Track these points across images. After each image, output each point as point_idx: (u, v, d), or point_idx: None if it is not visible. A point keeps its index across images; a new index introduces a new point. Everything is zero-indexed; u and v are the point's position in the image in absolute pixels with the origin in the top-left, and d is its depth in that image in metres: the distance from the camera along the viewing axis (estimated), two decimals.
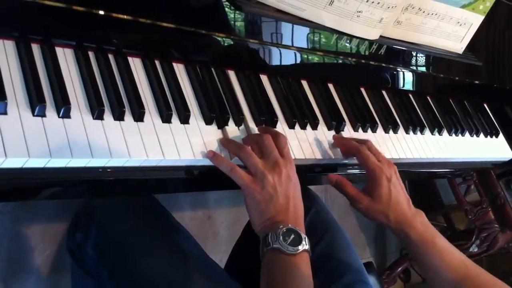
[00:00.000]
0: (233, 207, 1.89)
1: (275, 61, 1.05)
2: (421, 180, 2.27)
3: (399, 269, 2.16)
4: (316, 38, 1.06)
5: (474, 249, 1.96)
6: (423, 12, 1.12)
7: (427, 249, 0.93)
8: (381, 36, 1.11)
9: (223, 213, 1.88)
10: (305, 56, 1.08)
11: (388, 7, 1.03)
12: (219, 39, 0.95)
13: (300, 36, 1.04)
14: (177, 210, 1.73)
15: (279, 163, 0.85)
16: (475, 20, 1.22)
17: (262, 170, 0.84)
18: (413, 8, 1.10)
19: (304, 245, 0.82)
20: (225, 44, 0.97)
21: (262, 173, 0.83)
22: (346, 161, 1.05)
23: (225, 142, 0.90)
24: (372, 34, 1.08)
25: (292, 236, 0.81)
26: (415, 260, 0.98)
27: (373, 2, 1.00)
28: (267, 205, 0.83)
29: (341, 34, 1.06)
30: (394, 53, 1.20)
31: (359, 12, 1.00)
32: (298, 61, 1.08)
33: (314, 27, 1.03)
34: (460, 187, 2.02)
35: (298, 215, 0.86)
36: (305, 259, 0.82)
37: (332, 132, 1.07)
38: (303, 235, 0.82)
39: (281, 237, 0.80)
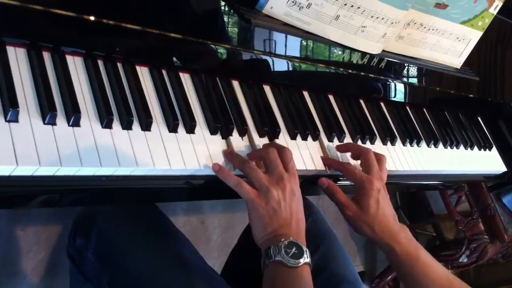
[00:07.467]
0: (227, 213, 1.88)
1: (278, 72, 1.06)
2: (412, 190, 2.28)
3: (389, 277, 2.17)
4: (318, 51, 1.07)
5: (463, 259, 1.98)
6: (424, 27, 1.14)
7: (412, 263, 0.94)
8: (383, 50, 1.13)
9: (216, 218, 1.88)
10: (307, 68, 1.09)
11: (392, 23, 1.04)
12: (225, 50, 0.96)
13: (303, 48, 1.05)
14: (171, 215, 1.70)
15: (284, 178, 0.86)
16: (474, 36, 1.24)
17: (266, 185, 0.84)
18: (415, 23, 1.11)
19: (306, 258, 0.82)
20: (230, 54, 0.97)
21: (266, 188, 0.84)
22: None
23: (229, 156, 0.90)
24: (375, 48, 1.09)
25: (294, 249, 0.82)
26: (399, 274, 0.99)
27: (377, 18, 1.01)
28: (271, 219, 0.84)
29: (344, 47, 1.07)
30: (394, 66, 1.21)
31: (364, 27, 1.01)
32: (300, 72, 1.09)
33: (318, 40, 1.03)
34: (451, 198, 2.03)
35: (300, 228, 0.87)
36: (306, 271, 0.83)
37: (333, 143, 1.08)
38: (305, 248, 0.83)
39: (283, 250, 0.81)
